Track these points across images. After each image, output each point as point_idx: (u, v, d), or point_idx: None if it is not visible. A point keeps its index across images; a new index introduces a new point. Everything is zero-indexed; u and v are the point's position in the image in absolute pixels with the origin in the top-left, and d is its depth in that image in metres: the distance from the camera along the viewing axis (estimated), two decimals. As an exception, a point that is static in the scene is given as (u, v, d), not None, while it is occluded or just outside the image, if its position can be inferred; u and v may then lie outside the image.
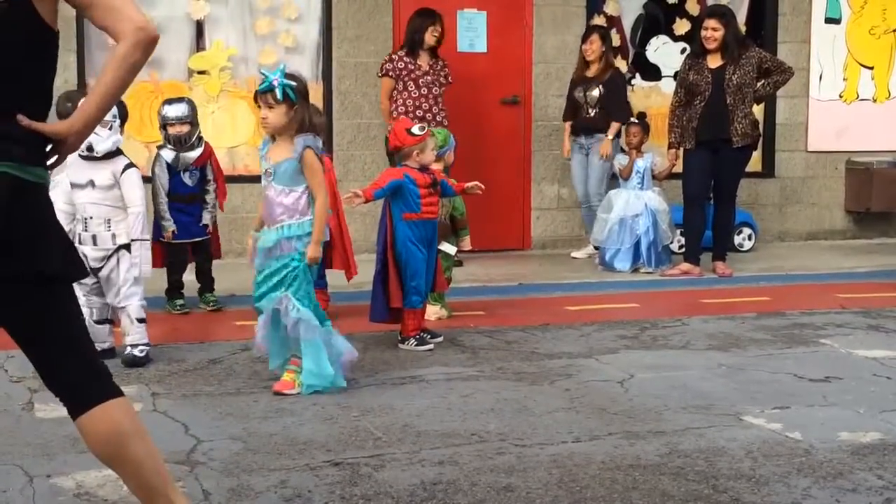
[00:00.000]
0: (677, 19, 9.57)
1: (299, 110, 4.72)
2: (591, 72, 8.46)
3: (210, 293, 6.80)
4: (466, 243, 6.45)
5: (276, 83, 4.65)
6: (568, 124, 8.62)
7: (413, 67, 8.02)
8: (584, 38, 8.49)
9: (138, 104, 8.18)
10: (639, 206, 8.06)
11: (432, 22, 8.05)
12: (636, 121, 8.32)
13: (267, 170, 4.78)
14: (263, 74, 4.75)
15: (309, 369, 4.74)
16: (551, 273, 8.11)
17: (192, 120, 6.51)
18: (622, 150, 8.34)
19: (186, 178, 6.56)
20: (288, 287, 4.73)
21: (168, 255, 6.62)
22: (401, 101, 8.03)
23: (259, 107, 4.78)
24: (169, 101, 6.61)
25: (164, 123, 6.51)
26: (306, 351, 4.74)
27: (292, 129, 4.73)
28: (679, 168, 8.20)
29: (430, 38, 8.02)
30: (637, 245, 8.07)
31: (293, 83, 4.70)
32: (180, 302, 6.68)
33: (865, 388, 4.91)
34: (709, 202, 8.12)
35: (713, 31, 7.77)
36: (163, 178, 6.52)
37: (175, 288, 6.70)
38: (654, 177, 8.18)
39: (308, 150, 4.72)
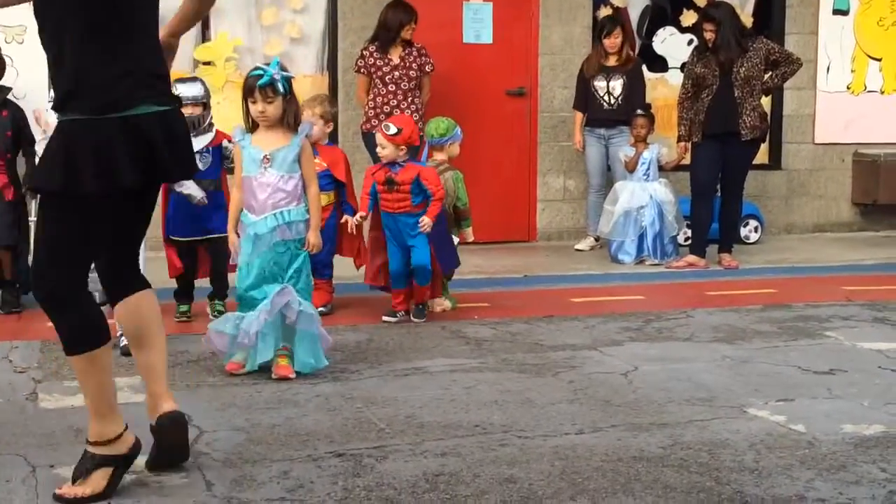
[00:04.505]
0: (684, 10, 9.53)
1: (292, 101, 4.87)
2: (611, 62, 8.43)
3: (220, 300, 6.06)
4: (469, 234, 6.47)
5: (276, 77, 4.76)
6: (581, 115, 8.58)
7: (382, 63, 7.87)
8: (608, 33, 8.38)
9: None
10: (644, 197, 8.04)
11: (410, 20, 7.87)
12: (642, 112, 8.30)
13: (266, 155, 4.82)
14: (261, 69, 4.80)
15: (304, 360, 4.84)
16: (556, 265, 8.10)
17: (206, 102, 5.92)
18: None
19: (198, 162, 5.83)
20: (289, 279, 4.85)
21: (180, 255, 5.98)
22: (371, 97, 7.94)
23: (254, 102, 4.81)
24: (182, 80, 5.97)
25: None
26: (303, 341, 4.84)
27: (285, 120, 4.86)
28: (686, 160, 8.18)
29: (406, 34, 7.88)
30: (642, 237, 8.07)
31: (290, 75, 4.88)
32: (184, 308, 6.02)
33: (870, 381, 4.90)
34: (715, 194, 8.11)
35: (710, 33, 7.77)
36: None
37: (182, 292, 6.06)
38: (661, 168, 8.17)
39: (306, 138, 4.93)
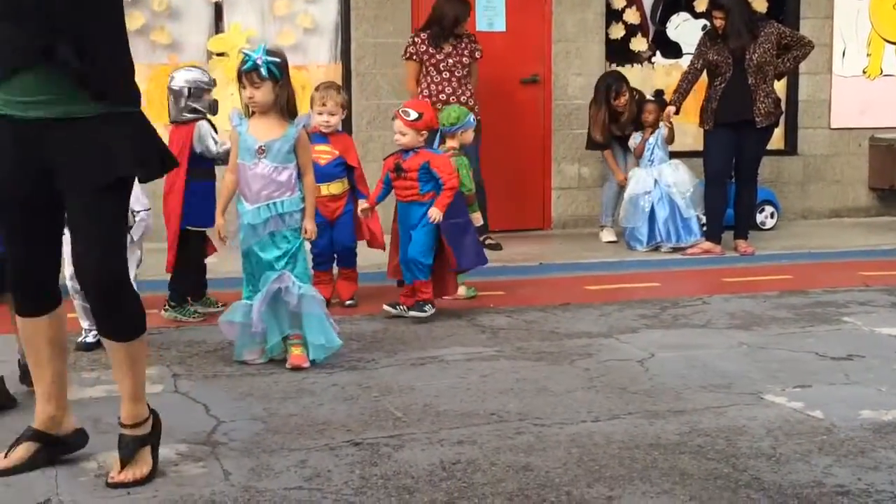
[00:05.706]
0: (698, -4, 9.49)
1: (284, 86, 4.79)
2: (619, 119, 8.33)
3: (205, 297, 6.00)
4: (477, 218, 6.43)
5: (259, 62, 4.70)
6: (610, 152, 8.44)
7: (434, 51, 7.84)
8: (617, 94, 8.17)
9: (159, 88, 8.18)
10: (649, 182, 8.02)
11: (467, 15, 7.82)
12: (652, 99, 8.25)
13: (261, 146, 4.80)
14: (246, 54, 4.76)
15: (316, 343, 4.83)
16: (571, 252, 8.09)
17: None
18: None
19: (219, 147, 5.80)
20: (287, 265, 4.84)
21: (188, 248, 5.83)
22: (424, 84, 7.91)
23: (243, 87, 4.80)
24: (190, 69, 6.05)
25: (202, 90, 5.83)
26: (311, 325, 4.83)
27: (278, 106, 4.80)
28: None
29: (460, 30, 7.83)
30: (653, 223, 8.03)
31: (276, 59, 4.76)
32: (194, 308, 5.90)
33: (888, 366, 4.87)
34: (730, 181, 8.07)
35: (720, 21, 7.73)
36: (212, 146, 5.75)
37: (185, 292, 5.88)
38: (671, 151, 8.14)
39: (303, 129, 4.87)
